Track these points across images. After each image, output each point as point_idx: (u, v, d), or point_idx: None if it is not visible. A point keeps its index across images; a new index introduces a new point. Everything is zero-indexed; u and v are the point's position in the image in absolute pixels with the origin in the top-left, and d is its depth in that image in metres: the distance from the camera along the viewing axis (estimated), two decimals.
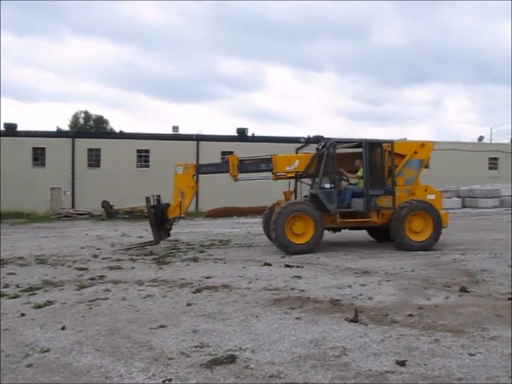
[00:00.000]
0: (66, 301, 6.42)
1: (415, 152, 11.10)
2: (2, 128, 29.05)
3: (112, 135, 37.49)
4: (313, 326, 5.02)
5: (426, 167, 12.43)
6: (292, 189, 11.94)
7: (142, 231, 16.13)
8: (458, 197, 26.02)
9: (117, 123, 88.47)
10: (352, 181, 11.26)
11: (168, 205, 11.24)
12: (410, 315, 5.34)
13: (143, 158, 30.01)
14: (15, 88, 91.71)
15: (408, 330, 4.83)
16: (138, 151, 30.02)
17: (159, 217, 11.11)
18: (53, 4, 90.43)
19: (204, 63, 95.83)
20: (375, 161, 10.90)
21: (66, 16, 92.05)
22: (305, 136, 30.55)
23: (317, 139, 29.86)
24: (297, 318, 5.31)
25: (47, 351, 4.49)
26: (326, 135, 30.09)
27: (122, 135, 31.64)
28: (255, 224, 18.05)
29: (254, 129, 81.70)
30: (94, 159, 29.67)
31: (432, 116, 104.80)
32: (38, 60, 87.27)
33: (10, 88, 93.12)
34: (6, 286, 7.46)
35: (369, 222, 10.90)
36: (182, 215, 11.55)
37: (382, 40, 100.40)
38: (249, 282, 7.32)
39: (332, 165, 10.66)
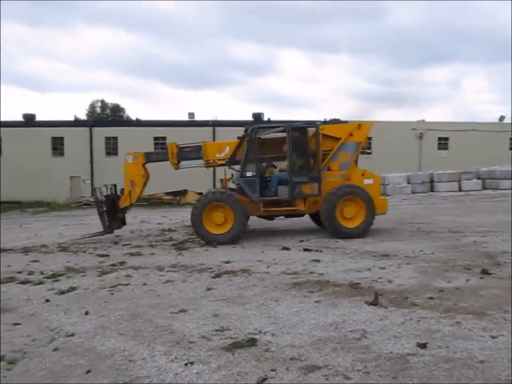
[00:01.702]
0: (88, 286, 6.55)
1: (351, 135, 10.47)
2: (22, 119, 29.45)
3: (129, 123, 37.78)
4: (333, 309, 5.03)
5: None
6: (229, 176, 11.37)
7: (161, 218, 16.31)
8: (478, 178, 25.58)
9: (133, 111, 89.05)
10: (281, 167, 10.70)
11: (119, 195, 11.16)
12: (431, 298, 5.31)
13: (159, 145, 30.15)
14: (32, 79, 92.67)
15: (428, 313, 4.80)
16: (155, 138, 30.18)
17: (110, 207, 11.06)
18: None
19: (217, 49, 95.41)
20: (299, 147, 10.28)
21: (79, 6, 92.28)
22: (322, 119, 30.31)
23: (334, 122, 29.66)
24: (317, 302, 5.33)
25: (72, 335, 4.60)
26: (342, 118, 29.82)
27: (139, 123, 31.83)
28: None
29: (270, 114, 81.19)
30: (112, 147, 29.94)
31: (450, 96, 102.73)
32: (53, 51, 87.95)
33: (27, 79, 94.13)
34: (31, 273, 7.64)
35: (295, 210, 10.43)
36: (133, 204, 11.32)
37: (398, 20, 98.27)
38: (268, 267, 7.36)
39: (254, 152, 10.15)
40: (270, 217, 11.19)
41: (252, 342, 4.15)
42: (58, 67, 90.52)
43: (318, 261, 7.65)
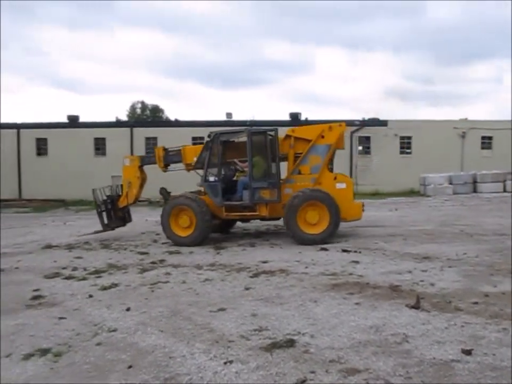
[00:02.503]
0: (130, 283, 6.71)
1: (322, 137, 10.05)
2: (66, 120, 30.43)
3: (168, 123, 38.37)
4: (373, 312, 4.95)
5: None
6: None
7: None
8: None
9: (172, 112, 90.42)
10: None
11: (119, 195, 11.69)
12: (476, 303, 5.14)
13: (198, 144, 30.46)
14: (74, 81, 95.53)
15: (473, 318, 4.65)
16: (193, 138, 30.48)
17: (109, 207, 11.60)
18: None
19: (253, 49, 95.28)
20: (259, 151, 10.11)
21: (118, 9, 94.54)
22: (360, 118, 29.88)
23: (373, 122, 29.15)
24: (357, 304, 5.25)
25: (114, 330, 4.73)
26: (381, 117, 29.30)
27: (177, 123, 32.26)
28: None
29: (307, 114, 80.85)
30: (152, 147, 30.48)
31: (492, 93, 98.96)
32: (94, 53, 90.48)
33: (69, 82, 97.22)
34: (75, 269, 7.89)
35: (256, 215, 10.27)
36: (131, 204, 11.78)
37: (438, 16, 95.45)
38: (306, 267, 7.31)
39: (217, 157, 10.17)
40: (246, 220, 11.31)
41: (290, 343, 4.13)
42: (100, 69, 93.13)
43: (357, 262, 7.55)
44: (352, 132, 28.04)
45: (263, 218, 10.82)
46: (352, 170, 28.25)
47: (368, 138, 28.62)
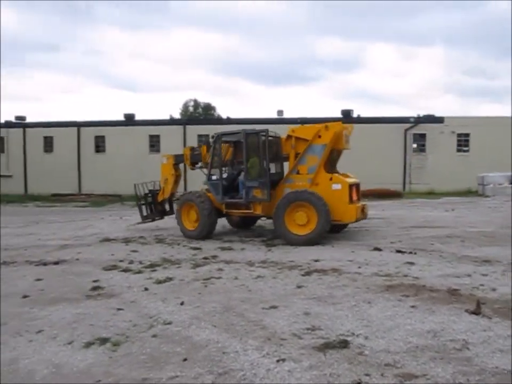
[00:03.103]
0: (183, 278, 6.85)
1: (319, 136, 9.86)
2: (123, 118, 31.51)
3: (220, 121, 38.84)
4: (430, 316, 4.78)
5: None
6: None
7: None
8: None
9: (224, 109, 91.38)
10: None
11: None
12: None
13: None
14: (131, 80, 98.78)
15: None
16: None
17: (150, 201, 12.76)
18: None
19: (304, 46, 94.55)
20: (253, 152, 10.30)
21: (171, 10, 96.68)
22: (415, 115, 28.96)
23: (428, 118, 28.17)
24: (412, 307, 5.10)
25: (169, 323, 4.84)
26: (437, 114, 28.26)
27: (229, 121, 32.63)
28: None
29: (360, 111, 79.19)
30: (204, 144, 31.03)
31: None
32: (149, 53, 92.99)
33: (126, 81, 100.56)
34: (131, 262, 8.17)
35: (251, 213, 10.53)
36: (167, 198, 12.64)
37: (499, 7, 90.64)
38: (359, 267, 7.18)
39: (219, 157, 10.67)
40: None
41: (344, 344, 4.07)
42: (154, 68, 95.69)
43: (412, 263, 7.32)
44: (406, 129, 27.26)
45: (260, 216, 11.16)
46: (405, 169, 27.50)
47: (423, 135, 27.72)
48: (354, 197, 10.02)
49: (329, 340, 4.18)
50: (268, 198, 10.02)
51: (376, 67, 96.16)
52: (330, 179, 9.85)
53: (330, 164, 10.43)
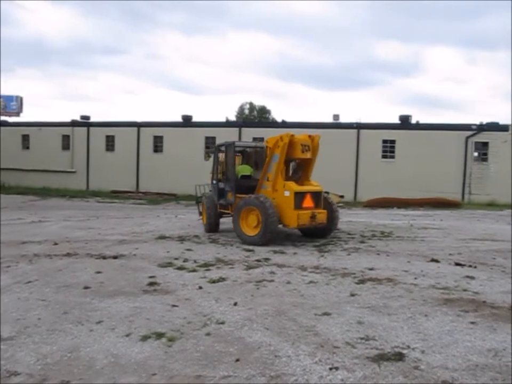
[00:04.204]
0: (236, 279, 6.94)
1: (278, 146, 10.66)
2: (180, 120, 32.32)
3: (275, 124, 38.97)
4: (491, 334, 4.58)
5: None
6: None
7: None
8: None
9: (279, 113, 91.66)
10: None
11: None
12: None
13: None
14: (188, 83, 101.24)
15: None
16: None
17: None
18: (217, 4, 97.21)
19: (361, 50, 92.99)
20: (227, 160, 11.89)
21: (228, 14, 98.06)
22: (477, 123, 27.69)
23: (492, 126, 26.86)
24: (472, 323, 4.90)
25: (222, 323, 4.92)
26: (501, 122, 26.90)
27: (284, 124, 32.65)
28: (418, 217, 17.11)
29: (418, 117, 76.78)
30: None
31: None
32: (207, 56, 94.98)
33: (184, 84, 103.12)
34: (186, 260, 8.36)
35: (230, 212, 11.86)
36: None
37: None
38: (415, 278, 6.98)
39: (216, 163, 12.47)
40: None
41: (399, 357, 3.98)
42: (211, 71, 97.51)
43: (472, 277, 7.03)
44: (468, 137, 26.12)
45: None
46: (465, 178, 26.39)
47: (485, 144, 26.46)
48: (306, 204, 10.66)
49: (384, 351, 4.10)
50: (233, 201, 11.47)
51: (436, 71, 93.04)
52: (284, 186, 10.64)
53: (295, 171, 11.64)
